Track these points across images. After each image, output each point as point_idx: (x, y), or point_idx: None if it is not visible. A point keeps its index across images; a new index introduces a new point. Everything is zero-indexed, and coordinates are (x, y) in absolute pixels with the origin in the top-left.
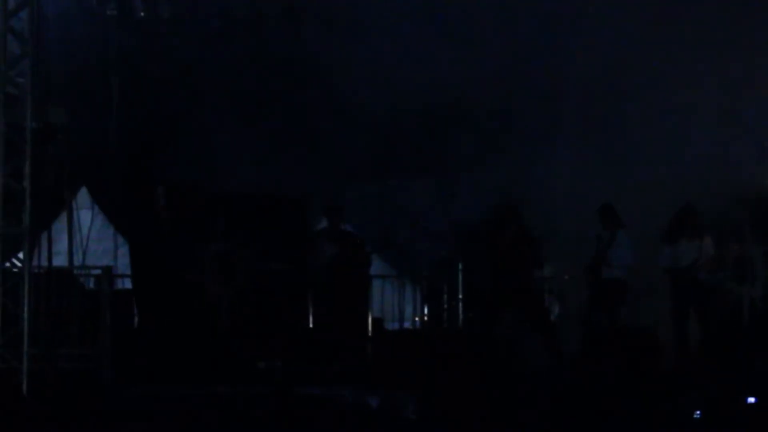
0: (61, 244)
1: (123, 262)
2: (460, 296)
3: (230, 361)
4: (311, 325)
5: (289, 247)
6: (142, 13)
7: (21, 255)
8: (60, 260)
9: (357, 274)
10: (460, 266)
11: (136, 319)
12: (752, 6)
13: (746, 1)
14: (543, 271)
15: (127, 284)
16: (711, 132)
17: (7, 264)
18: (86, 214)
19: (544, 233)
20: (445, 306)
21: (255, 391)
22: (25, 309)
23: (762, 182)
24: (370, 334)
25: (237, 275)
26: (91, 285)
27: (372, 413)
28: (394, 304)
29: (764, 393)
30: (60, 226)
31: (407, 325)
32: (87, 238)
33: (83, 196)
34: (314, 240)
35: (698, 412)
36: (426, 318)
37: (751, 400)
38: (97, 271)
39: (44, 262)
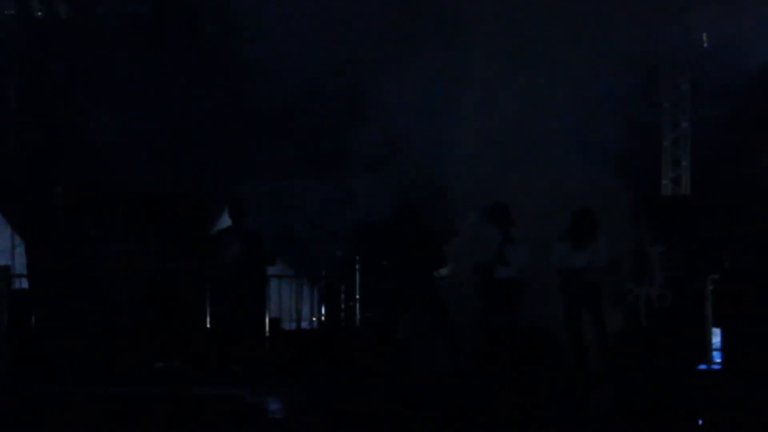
0: None
1: (20, 262)
2: (358, 296)
3: (128, 360)
4: (209, 325)
5: (188, 247)
6: (39, 13)
7: None
8: None
9: (260, 272)
10: (358, 266)
11: (33, 319)
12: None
13: None
14: (442, 271)
15: (25, 284)
16: (610, 134)
17: None
18: None
19: (444, 233)
20: (343, 306)
21: (152, 391)
22: None
23: (659, 182)
24: (267, 334)
25: (136, 275)
26: None
27: (268, 414)
28: (291, 304)
29: (663, 392)
30: None
31: (305, 325)
32: None
33: None
34: (218, 239)
35: None
36: (323, 318)
37: None
38: None
39: None
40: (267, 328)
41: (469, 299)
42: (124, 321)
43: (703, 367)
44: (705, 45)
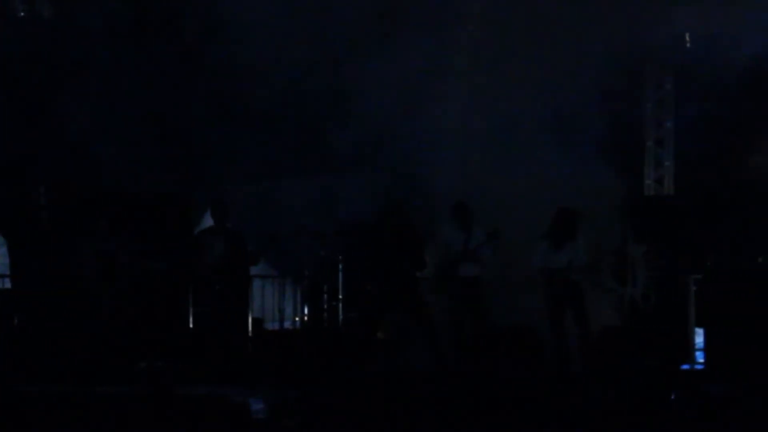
0: None
1: (3, 262)
2: (341, 296)
3: (111, 360)
4: (192, 325)
5: (171, 246)
6: (22, 13)
7: None
8: None
9: (243, 272)
10: (341, 266)
11: (16, 319)
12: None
13: None
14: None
15: (7, 284)
16: (593, 134)
17: None
18: None
19: (427, 234)
20: (326, 306)
21: (135, 391)
22: None
23: (642, 182)
24: (250, 334)
25: (119, 274)
26: None
27: (251, 414)
28: (274, 304)
29: (646, 391)
30: None
31: (287, 325)
32: None
33: None
34: (200, 238)
35: None
36: (306, 318)
37: None
38: None
39: None
40: (250, 328)
41: (438, 298)
42: (107, 321)
43: (686, 366)
44: (688, 45)
